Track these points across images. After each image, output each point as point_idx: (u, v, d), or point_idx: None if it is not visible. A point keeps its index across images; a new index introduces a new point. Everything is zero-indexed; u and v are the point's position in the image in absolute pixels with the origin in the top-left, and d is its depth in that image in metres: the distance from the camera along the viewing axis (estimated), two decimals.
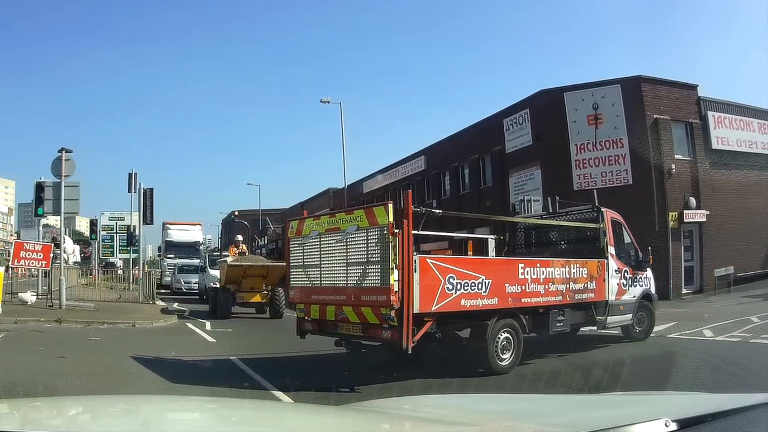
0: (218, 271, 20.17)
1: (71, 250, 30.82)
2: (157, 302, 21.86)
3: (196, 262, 33.03)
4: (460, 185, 29.76)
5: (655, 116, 21.17)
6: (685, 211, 21.32)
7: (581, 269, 10.06)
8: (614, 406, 2.86)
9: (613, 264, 10.71)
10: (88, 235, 29.62)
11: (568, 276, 9.76)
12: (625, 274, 11.04)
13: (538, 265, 9.37)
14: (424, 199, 31.35)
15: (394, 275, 7.56)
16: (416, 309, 7.66)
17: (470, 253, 25.16)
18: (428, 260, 7.92)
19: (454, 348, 9.00)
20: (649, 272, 11.86)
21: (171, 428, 2.39)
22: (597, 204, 11.06)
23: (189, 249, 37.50)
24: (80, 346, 11.30)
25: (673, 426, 1.93)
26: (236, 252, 19.68)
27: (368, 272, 7.92)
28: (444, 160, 30.60)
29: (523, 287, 9.05)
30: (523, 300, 9.04)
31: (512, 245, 11.93)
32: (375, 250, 7.82)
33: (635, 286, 11.29)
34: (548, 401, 3.33)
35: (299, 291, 9.21)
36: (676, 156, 21.40)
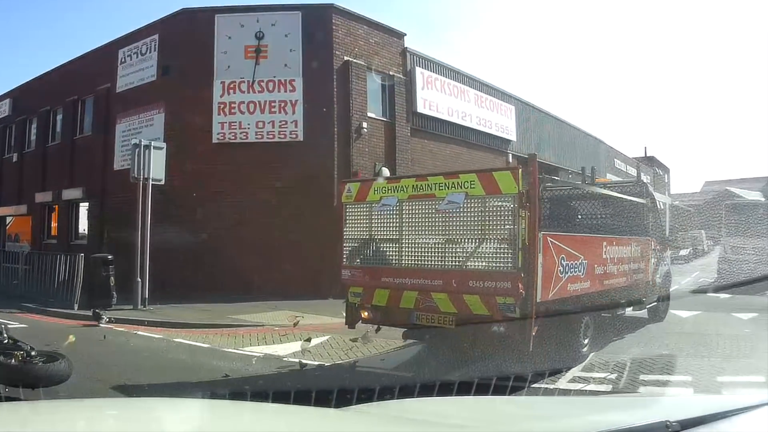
0: None
1: None
2: None
3: None
4: (49, 135, 22.51)
5: (346, 58, 15.98)
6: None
7: (637, 247, 9.30)
8: (616, 407, 2.88)
9: (652, 242, 10.09)
10: None
11: (630, 255, 8.96)
12: (658, 252, 10.49)
13: (614, 243, 8.40)
14: (3, 153, 24.73)
15: (521, 257, 6.10)
16: (538, 298, 6.28)
17: (54, 224, 21.34)
18: (549, 238, 6.52)
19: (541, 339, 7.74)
20: (668, 251, 11.45)
21: (171, 429, 2.36)
22: (641, 177, 10.33)
23: None
24: None
25: (675, 427, 1.89)
26: None
27: (482, 252, 6.36)
28: (35, 103, 22.90)
29: (605, 268, 8.06)
30: (605, 282, 8.05)
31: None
32: (497, 225, 6.26)
33: (662, 265, 10.81)
34: (549, 403, 3.27)
35: (360, 271, 7.32)
36: (369, 113, 16.33)
